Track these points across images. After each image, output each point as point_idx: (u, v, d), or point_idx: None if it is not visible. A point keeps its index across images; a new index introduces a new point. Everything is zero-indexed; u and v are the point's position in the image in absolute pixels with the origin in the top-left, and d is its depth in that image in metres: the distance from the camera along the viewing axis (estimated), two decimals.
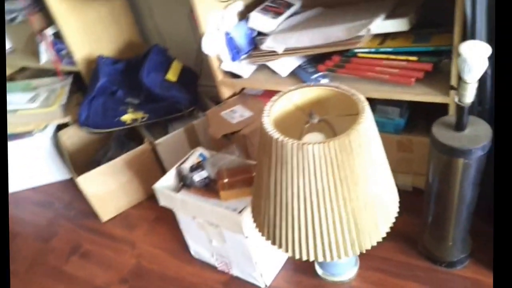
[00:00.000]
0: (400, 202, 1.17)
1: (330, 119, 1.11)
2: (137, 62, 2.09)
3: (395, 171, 1.57)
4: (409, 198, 1.46)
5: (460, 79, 1.00)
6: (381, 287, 1.36)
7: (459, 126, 1.07)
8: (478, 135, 1.06)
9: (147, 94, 2.01)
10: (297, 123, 1.13)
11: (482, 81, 1.16)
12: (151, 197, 1.94)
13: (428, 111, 1.43)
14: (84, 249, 1.80)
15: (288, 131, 1.13)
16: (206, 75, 1.80)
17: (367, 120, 0.97)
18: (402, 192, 1.59)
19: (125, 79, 2.12)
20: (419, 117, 1.55)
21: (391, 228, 1.08)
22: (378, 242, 1.05)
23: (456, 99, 1.03)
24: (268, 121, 1.02)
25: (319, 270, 1.43)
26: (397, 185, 1.61)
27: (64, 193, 2.15)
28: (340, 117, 1.10)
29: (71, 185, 2.16)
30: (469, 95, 1.01)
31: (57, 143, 2.14)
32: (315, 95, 1.13)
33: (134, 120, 1.98)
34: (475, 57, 0.94)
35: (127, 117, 1.97)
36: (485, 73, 1.14)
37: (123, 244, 1.77)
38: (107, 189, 1.85)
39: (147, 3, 2.37)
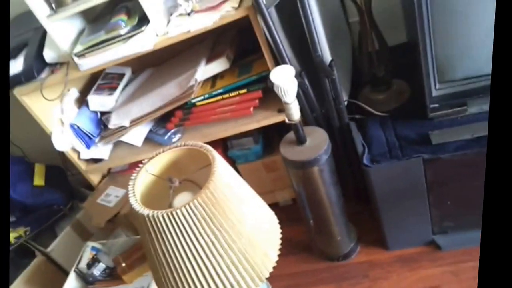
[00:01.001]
0: (286, 216, 1.25)
1: (191, 176, 1.18)
2: None
3: (272, 191, 1.68)
4: (292, 210, 1.56)
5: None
6: None
7: (299, 140, 1.19)
8: (319, 142, 1.19)
9: (21, 208, 1.96)
10: (165, 190, 1.18)
11: (305, 93, 1.29)
12: None
13: (279, 127, 1.55)
14: None
15: (160, 200, 1.17)
16: (74, 163, 1.80)
17: (219, 166, 1.04)
18: (285, 207, 1.71)
19: None
20: (274, 135, 1.66)
21: (288, 243, 1.15)
22: (281, 260, 1.12)
23: (286, 120, 1.14)
24: (134, 200, 1.06)
25: None
26: (278, 203, 1.73)
27: None
28: (199, 171, 1.17)
29: None
30: (295, 113, 1.12)
31: None
32: (169, 159, 1.18)
33: (18, 238, 1.91)
34: (284, 82, 1.05)
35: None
36: (304, 86, 1.27)
37: None
38: None
39: None
